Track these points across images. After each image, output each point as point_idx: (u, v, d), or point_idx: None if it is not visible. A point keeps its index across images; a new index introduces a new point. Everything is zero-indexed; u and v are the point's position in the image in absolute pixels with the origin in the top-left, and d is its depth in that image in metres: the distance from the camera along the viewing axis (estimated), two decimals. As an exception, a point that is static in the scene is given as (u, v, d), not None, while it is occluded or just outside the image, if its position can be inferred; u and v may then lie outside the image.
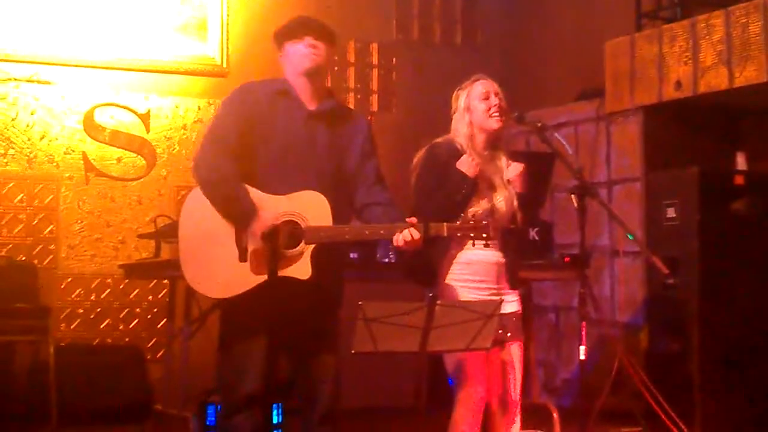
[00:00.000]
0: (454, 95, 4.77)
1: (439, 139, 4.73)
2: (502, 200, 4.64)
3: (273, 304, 4.10)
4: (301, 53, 4.34)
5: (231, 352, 4.31)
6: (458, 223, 4.22)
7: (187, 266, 4.25)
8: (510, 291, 4.69)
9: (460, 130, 4.69)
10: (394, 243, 4.16)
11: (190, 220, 4.28)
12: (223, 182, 4.21)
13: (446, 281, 4.60)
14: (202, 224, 4.23)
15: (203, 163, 4.29)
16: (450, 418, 4.66)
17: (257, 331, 4.23)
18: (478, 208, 4.61)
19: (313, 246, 4.13)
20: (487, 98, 4.65)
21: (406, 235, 4.12)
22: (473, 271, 4.60)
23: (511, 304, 4.69)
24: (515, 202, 4.66)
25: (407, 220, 4.17)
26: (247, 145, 4.28)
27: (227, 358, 4.33)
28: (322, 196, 4.18)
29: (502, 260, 4.67)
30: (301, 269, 4.12)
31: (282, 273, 4.09)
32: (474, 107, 4.66)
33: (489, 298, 4.54)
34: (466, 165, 4.55)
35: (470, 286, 4.58)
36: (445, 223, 4.20)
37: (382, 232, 4.17)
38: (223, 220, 4.20)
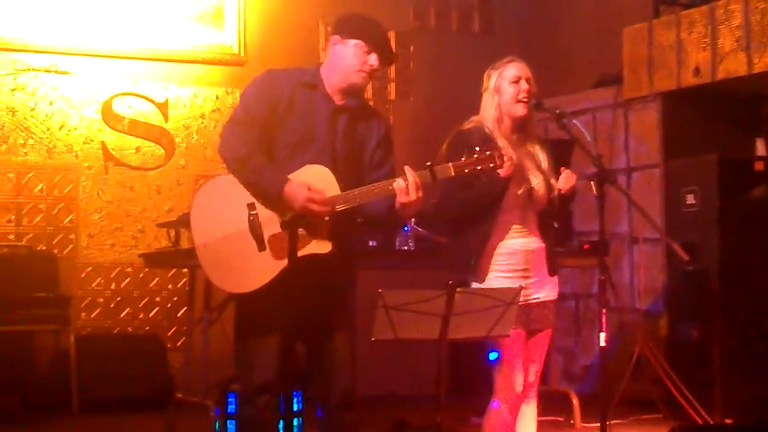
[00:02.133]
0: (486, 73, 4.69)
1: (467, 125, 4.64)
2: (539, 183, 4.61)
3: (291, 288, 4.11)
4: (364, 67, 4.27)
5: (246, 341, 4.32)
6: (463, 159, 4.10)
7: (211, 272, 4.25)
8: (549, 278, 4.66)
9: (488, 111, 4.65)
10: (397, 190, 4.05)
11: (200, 227, 4.26)
12: (249, 156, 4.21)
13: (489, 272, 4.57)
14: (215, 227, 4.22)
15: (228, 143, 4.29)
16: (486, 407, 4.65)
17: (272, 319, 4.23)
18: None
19: (327, 218, 4.14)
20: (517, 82, 4.60)
21: (408, 178, 4.03)
22: (517, 260, 4.55)
23: (551, 291, 4.66)
24: (552, 188, 4.62)
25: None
26: (269, 132, 4.27)
27: (242, 347, 4.34)
28: (325, 168, 4.16)
29: (542, 246, 4.64)
30: (320, 244, 4.13)
31: (303, 253, 4.09)
32: (503, 89, 4.61)
33: (534, 286, 4.55)
34: None
35: (514, 276, 4.53)
36: (450, 163, 4.10)
37: (390, 187, 4.13)
38: (233, 215, 4.19)
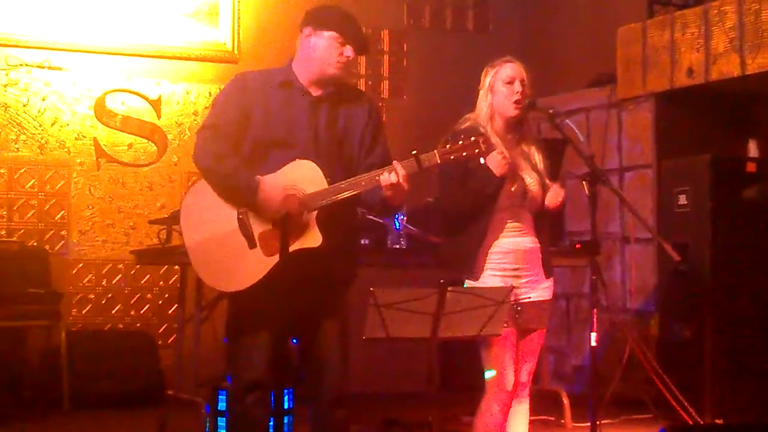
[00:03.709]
0: (483, 71, 4.70)
1: (463, 124, 4.65)
2: (533, 182, 4.62)
3: (283, 284, 4.12)
4: (339, 59, 4.26)
5: (237, 338, 4.32)
6: (448, 146, 4.12)
7: (202, 271, 4.25)
8: (544, 279, 4.67)
9: (482, 108, 4.66)
10: (383, 184, 4.08)
11: (190, 227, 4.27)
12: (219, 163, 4.21)
13: (484, 271, 4.57)
14: (204, 227, 4.24)
15: (200, 151, 4.29)
16: (478, 406, 4.65)
17: (263, 316, 4.23)
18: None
19: (316, 212, 4.14)
20: (511, 83, 4.60)
21: (392, 176, 4.05)
22: (511, 260, 4.56)
23: (545, 291, 4.67)
24: (547, 188, 4.63)
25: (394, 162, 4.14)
26: (245, 134, 4.26)
27: (234, 344, 4.34)
28: (311, 162, 4.16)
29: (537, 245, 4.65)
30: (310, 239, 4.13)
31: (293, 248, 4.09)
32: (497, 89, 4.61)
33: (527, 286, 4.57)
34: (495, 162, 4.45)
35: (508, 275, 4.55)
36: (436, 151, 4.12)
37: (378, 178, 4.12)
38: (222, 215, 4.19)
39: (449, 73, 8.93)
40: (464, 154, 4.12)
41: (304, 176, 4.15)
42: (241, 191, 4.17)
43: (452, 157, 4.13)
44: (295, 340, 4.47)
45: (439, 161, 4.12)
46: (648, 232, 7.28)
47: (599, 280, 4.66)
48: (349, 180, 4.16)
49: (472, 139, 4.12)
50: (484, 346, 4.58)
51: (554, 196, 4.63)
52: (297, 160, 4.18)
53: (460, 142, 4.12)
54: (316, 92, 4.31)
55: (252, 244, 4.18)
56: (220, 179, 4.21)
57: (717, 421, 6.59)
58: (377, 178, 4.11)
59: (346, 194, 4.15)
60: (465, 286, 4.52)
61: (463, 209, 4.55)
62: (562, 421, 6.86)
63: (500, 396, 4.59)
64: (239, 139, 4.25)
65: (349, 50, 4.28)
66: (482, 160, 4.26)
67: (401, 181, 4.08)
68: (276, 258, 4.11)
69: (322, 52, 4.27)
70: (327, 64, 4.27)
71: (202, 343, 6.26)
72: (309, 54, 4.30)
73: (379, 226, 6.26)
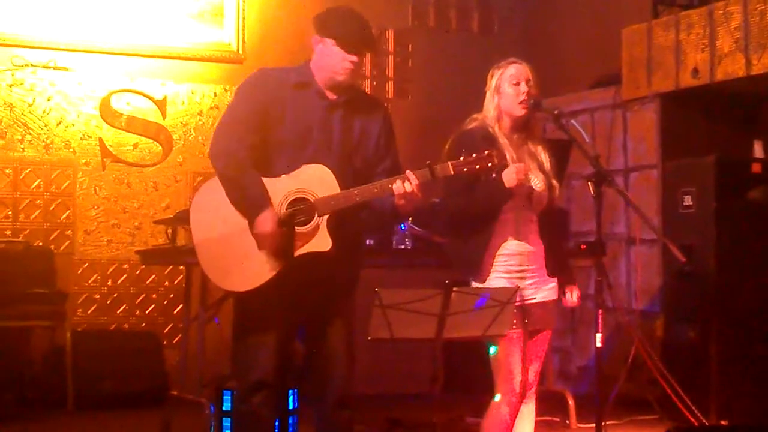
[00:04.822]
0: (490, 72, 4.70)
1: (470, 125, 4.65)
2: (540, 183, 4.62)
3: (290, 285, 4.12)
4: (343, 65, 4.26)
5: (244, 338, 4.32)
6: (461, 159, 4.15)
7: (210, 270, 4.26)
8: (550, 279, 4.67)
9: (489, 110, 4.66)
10: (396, 192, 4.10)
11: (200, 224, 4.28)
12: (238, 171, 4.21)
13: (490, 273, 4.57)
14: (214, 225, 4.24)
15: (216, 150, 4.31)
16: (483, 407, 4.65)
17: (270, 317, 4.24)
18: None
19: (327, 217, 4.14)
20: (517, 84, 4.60)
21: (406, 185, 4.08)
22: (516, 261, 4.56)
23: (550, 292, 4.67)
24: (553, 189, 4.65)
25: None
26: (262, 132, 4.26)
27: (240, 344, 4.34)
28: (324, 167, 4.18)
29: (542, 247, 4.65)
30: (320, 242, 4.13)
31: (302, 251, 4.10)
32: (503, 90, 4.61)
33: (532, 287, 4.59)
34: (508, 175, 4.44)
35: (514, 277, 4.54)
36: (449, 162, 4.15)
37: (391, 186, 4.13)
38: (233, 214, 4.21)
39: (454, 74, 8.94)
40: (477, 167, 4.15)
41: (316, 179, 4.16)
42: (245, 207, 4.19)
43: (465, 170, 4.15)
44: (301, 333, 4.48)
45: (452, 173, 4.16)
46: (653, 232, 7.28)
47: (604, 280, 4.66)
48: (361, 187, 4.17)
49: (486, 152, 4.14)
50: (493, 355, 4.58)
51: (570, 299, 4.75)
52: (311, 163, 4.19)
53: (474, 155, 4.14)
54: (331, 96, 4.32)
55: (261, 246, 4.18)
56: (232, 187, 4.22)
57: (722, 422, 6.59)
58: (390, 186, 4.12)
59: (358, 200, 4.16)
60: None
61: (469, 214, 4.56)
62: (567, 421, 6.85)
63: (509, 398, 4.58)
64: (255, 135, 4.25)
65: (353, 56, 4.28)
66: (494, 175, 4.29)
67: (414, 190, 4.10)
68: (283, 261, 4.12)
69: (328, 60, 4.28)
70: (334, 71, 4.28)
71: (207, 343, 6.26)
72: (320, 61, 4.32)
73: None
